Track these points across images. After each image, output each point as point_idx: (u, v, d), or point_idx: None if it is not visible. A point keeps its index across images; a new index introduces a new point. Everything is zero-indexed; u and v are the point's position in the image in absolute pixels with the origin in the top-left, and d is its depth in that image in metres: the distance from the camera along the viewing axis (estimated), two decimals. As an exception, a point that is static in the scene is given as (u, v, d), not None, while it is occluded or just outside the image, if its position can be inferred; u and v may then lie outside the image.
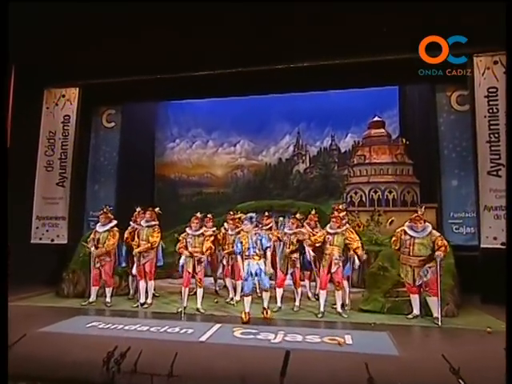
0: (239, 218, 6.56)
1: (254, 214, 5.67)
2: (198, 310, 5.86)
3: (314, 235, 6.01)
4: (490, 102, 6.78)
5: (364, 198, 9.81)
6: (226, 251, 6.65)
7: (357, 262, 5.77)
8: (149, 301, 6.33)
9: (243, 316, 5.24)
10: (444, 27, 6.31)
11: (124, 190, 9.62)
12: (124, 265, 6.84)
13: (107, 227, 6.49)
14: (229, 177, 12.12)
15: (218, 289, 7.25)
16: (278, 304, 5.99)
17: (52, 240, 8.57)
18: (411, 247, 5.44)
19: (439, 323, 5.08)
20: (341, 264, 5.66)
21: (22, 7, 5.81)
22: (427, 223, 5.54)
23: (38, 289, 7.26)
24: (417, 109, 9.54)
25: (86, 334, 4.70)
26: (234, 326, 4.95)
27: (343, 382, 3.40)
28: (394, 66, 7.28)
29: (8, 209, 3.75)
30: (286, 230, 6.22)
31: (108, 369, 2.93)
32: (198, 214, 6.37)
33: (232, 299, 6.48)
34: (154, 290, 6.66)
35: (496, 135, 6.65)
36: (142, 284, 6.27)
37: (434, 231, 5.47)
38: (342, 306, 5.79)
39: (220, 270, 6.98)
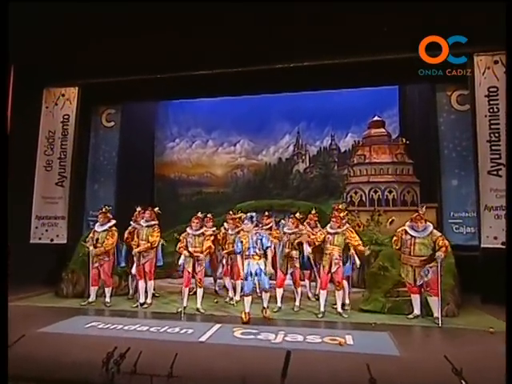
0: (239, 218, 6.55)
1: (254, 214, 5.67)
2: (197, 309, 5.85)
3: (313, 235, 6.00)
4: (491, 102, 6.77)
5: (364, 198, 9.80)
6: (225, 251, 6.63)
7: (357, 261, 5.77)
8: (148, 301, 6.32)
9: (243, 316, 5.22)
10: (444, 27, 6.31)
11: (123, 189, 9.61)
12: (123, 264, 6.83)
13: (106, 227, 6.48)
14: (229, 176, 12.10)
15: (217, 289, 7.24)
16: (278, 304, 5.98)
17: (51, 240, 8.55)
18: (412, 247, 5.43)
19: (439, 323, 5.07)
20: (341, 264, 5.65)
21: (21, 7, 5.80)
22: (428, 223, 5.53)
23: (37, 289, 7.25)
24: (417, 108, 9.53)
25: (86, 335, 4.69)
26: (234, 326, 4.94)
27: (344, 382, 3.39)
28: (394, 66, 7.27)
29: (7, 208, 3.73)
30: (285, 230, 6.21)
31: (107, 369, 2.91)
32: (199, 214, 6.36)
33: (232, 299, 6.46)
34: (154, 289, 6.65)
35: (496, 135, 6.64)
36: (141, 284, 6.26)
37: (434, 231, 5.46)
38: (343, 305, 5.78)
39: (220, 270, 6.97)
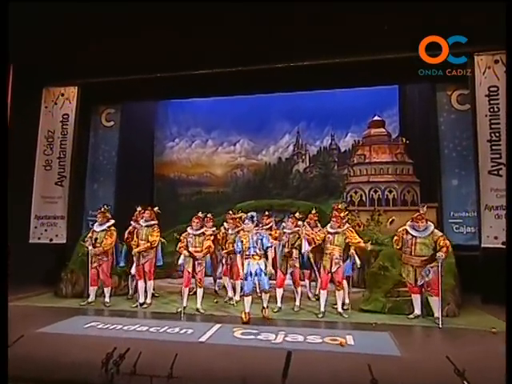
0: (240, 218, 6.54)
1: (254, 213, 5.65)
2: (197, 310, 5.83)
3: (312, 234, 5.98)
4: (491, 101, 6.76)
5: (364, 198, 9.79)
6: (225, 251, 6.62)
7: (357, 261, 5.76)
8: (148, 301, 6.30)
9: (243, 316, 5.21)
10: (444, 27, 6.30)
11: (123, 189, 9.59)
12: (122, 264, 6.82)
13: (104, 226, 6.47)
14: (228, 176, 12.09)
15: (217, 289, 7.22)
16: (278, 304, 5.97)
17: (51, 240, 8.53)
18: (413, 247, 5.42)
19: (440, 323, 5.06)
20: (341, 264, 5.64)
21: (21, 7, 5.78)
22: (429, 222, 5.52)
23: (37, 289, 7.23)
24: (417, 108, 9.52)
25: (85, 335, 4.67)
26: (234, 327, 4.93)
27: (345, 382, 3.38)
28: (394, 65, 7.26)
29: (7, 208, 3.71)
30: (284, 230, 6.19)
31: (107, 370, 2.89)
32: (200, 214, 6.35)
33: (231, 299, 6.44)
34: (154, 289, 6.63)
35: (497, 134, 6.62)
36: (141, 284, 6.24)
37: (436, 231, 5.44)
38: (342, 305, 5.76)
39: (220, 270, 6.96)
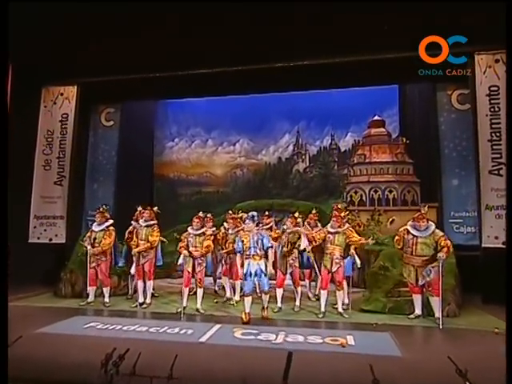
0: (240, 218, 6.52)
1: (255, 213, 5.63)
2: (197, 310, 5.81)
3: (311, 234, 5.96)
4: (492, 101, 6.75)
5: (364, 198, 9.76)
6: (225, 250, 6.60)
7: (358, 261, 5.75)
8: (148, 301, 6.28)
9: (243, 316, 5.19)
10: (444, 27, 6.29)
11: (123, 189, 9.58)
12: (120, 264, 6.80)
13: (103, 226, 6.45)
14: (228, 176, 12.07)
15: (217, 289, 7.20)
16: (279, 304, 5.95)
17: (50, 239, 8.51)
18: (414, 247, 5.40)
19: (440, 324, 5.04)
20: (342, 263, 5.63)
21: (21, 7, 5.76)
22: (430, 222, 5.50)
23: (36, 289, 7.21)
24: (417, 108, 9.51)
25: (84, 335, 4.65)
26: (234, 327, 4.91)
27: (346, 383, 3.36)
28: (394, 65, 7.25)
29: (7, 208, 3.69)
30: (283, 229, 6.17)
31: (106, 371, 2.87)
32: (201, 214, 6.33)
33: (231, 299, 6.42)
34: (153, 289, 6.61)
35: (497, 134, 6.61)
36: (140, 284, 6.22)
37: (437, 230, 5.42)
38: (342, 305, 5.74)
39: (219, 270, 6.94)
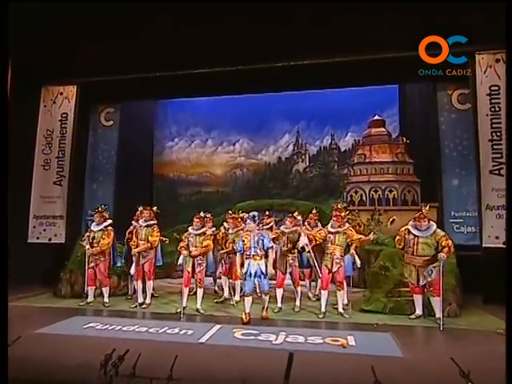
0: (241, 218, 6.50)
1: (256, 213, 5.62)
2: (197, 310, 5.80)
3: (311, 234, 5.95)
4: (492, 100, 6.74)
5: (364, 198, 9.75)
6: (224, 250, 6.58)
7: (358, 261, 5.74)
8: (147, 301, 6.26)
9: (243, 317, 5.17)
10: (444, 27, 6.28)
11: (122, 188, 9.56)
12: (119, 264, 6.78)
13: (102, 226, 6.44)
14: (228, 176, 12.05)
15: (217, 289, 7.19)
16: (279, 304, 5.93)
17: (49, 239, 8.49)
18: (415, 247, 5.38)
19: (441, 324, 5.03)
20: (342, 263, 5.61)
21: (21, 7, 5.74)
22: (431, 222, 5.48)
23: (35, 289, 7.19)
24: (417, 107, 9.50)
25: (84, 336, 4.63)
26: (234, 327, 4.90)
27: (347, 384, 3.35)
28: (395, 65, 7.24)
29: (7, 208, 3.68)
30: (282, 229, 6.16)
31: (105, 372, 2.85)
32: (201, 213, 6.32)
33: (229, 299, 6.41)
34: (153, 289, 6.59)
35: (498, 134, 6.60)
36: (140, 284, 6.20)
37: (438, 230, 5.40)
38: (342, 305, 5.72)
39: (219, 270, 6.92)
